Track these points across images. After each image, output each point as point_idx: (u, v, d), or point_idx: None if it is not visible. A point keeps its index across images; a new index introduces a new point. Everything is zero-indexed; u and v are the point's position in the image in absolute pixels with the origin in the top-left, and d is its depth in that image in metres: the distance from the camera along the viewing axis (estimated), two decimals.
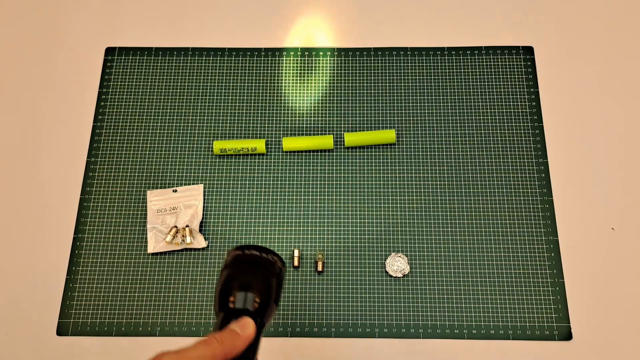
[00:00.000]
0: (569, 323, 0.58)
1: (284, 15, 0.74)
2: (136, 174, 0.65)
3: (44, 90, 0.70)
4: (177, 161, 0.65)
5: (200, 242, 0.61)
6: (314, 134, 0.66)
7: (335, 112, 0.67)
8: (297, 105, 0.68)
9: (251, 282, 0.41)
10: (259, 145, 0.64)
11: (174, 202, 0.63)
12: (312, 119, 0.67)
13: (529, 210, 0.62)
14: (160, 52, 0.71)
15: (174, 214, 0.62)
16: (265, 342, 0.58)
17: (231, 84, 0.69)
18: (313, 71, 0.70)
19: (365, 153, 0.65)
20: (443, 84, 0.68)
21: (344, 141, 0.65)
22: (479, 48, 0.70)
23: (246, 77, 0.69)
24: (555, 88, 0.68)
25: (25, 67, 0.71)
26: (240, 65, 0.70)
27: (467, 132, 0.66)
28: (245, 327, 0.38)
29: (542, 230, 0.61)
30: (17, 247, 0.62)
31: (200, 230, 0.62)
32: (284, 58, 0.70)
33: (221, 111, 0.68)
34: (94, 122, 0.67)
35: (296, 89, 0.69)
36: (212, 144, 0.66)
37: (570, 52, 0.70)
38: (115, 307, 0.59)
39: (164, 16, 0.74)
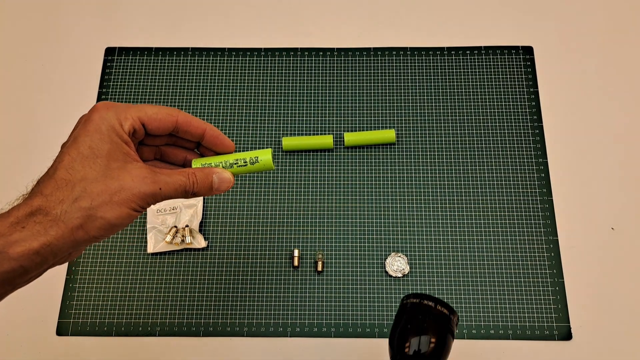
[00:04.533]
0: (569, 323, 0.58)
1: (284, 15, 0.74)
2: None
3: (44, 90, 0.70)
4: None
5: (200, 242, 0.61)
6: (313, 134, 0.66)
7: (335, 112, 0.67)
8: (297, 105, 0.68)
9: (427, 332, 0.40)
10: (263, 156, 0.56)
11: (174, 202, 0.63)
12: (312, 119, 0.67)
13: (529, 210, 0.62)
14: (160, 52, 0.71)
15: (174, 214, 0.62)
16: (265, 342, 0.58)
17: (231, 84, 0.69)
18: (313, 71, 0.70)
19: (365, 153, 0.65)
20: (443, 84, 0.68)
21: (343, 141, 0.65)
22: (479, 48, 0.70)
23: (246, 77, 0.70)
24: (555, 88, 0.68)
25: (25, 67, 0.71)
26: (240, 65, 0.70)
27: (466, 132, 0.66)
28: None
29: (542, 230, 0.61)
30: None
31: (200, 230, 0.62)
32: (284, 58, 0.70)
33: (221, 111, 0.68)
34: None
35: (296, 89, 0.69)
36: None
37: (569, 52, 0.70)
38: (115, 307, 0.59)
39: (164, 16, 0.74)
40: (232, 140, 0.66)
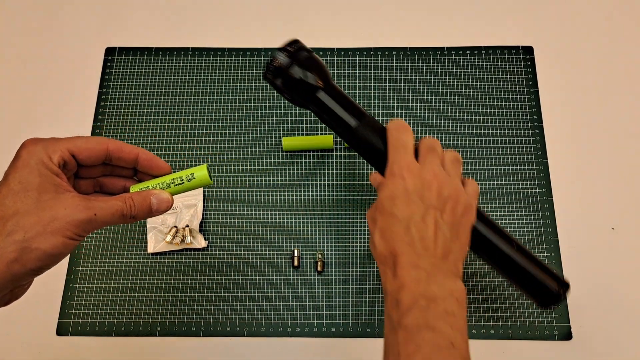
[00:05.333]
0: (569, 323, 0.58)
1: (284, 15, 0.74)
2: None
3: (44, 90, 0.70)
4: (177, 161, 0.65)
5: (200, 242, 0.61)
6: (314, 134, 0.66)
7: None
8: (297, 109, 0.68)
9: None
10: (199, 172, 0.47)
11: (174, 202, 0.62)
12: (312, 119, 0.67)
13: (529, 210, 0.62)
14: (160, 52, 0.71)
15: (174, 214, 0.62)
16: (265, 342, 0.58)
17: (231, 84, 0.69)
18: None
19: None
20: (443, 84, 0.68)
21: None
22: (479, 48, 0.70)
23: (246, 77, 0.69)
24: (555, 88, 0.68)
25: (25, 66, 0.71)
26: (240, 65, 0.70)
27: (467, 131, 0.66)
28: None
29: (542, 230, 0.61)
30: None
31: (200, 230, 0.62)
32: None
33: (221, 111, 0.68)
34: (94, 122, 0.68)
35: None
36: (215, 144, 0.66)
37: (570, 52, 0.70)
38: (115, 307, 0.59)
39: (164, 16, 0.74)
40: (232, 141, 0.66)
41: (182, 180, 0.44)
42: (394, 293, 0.42)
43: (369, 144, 0.49)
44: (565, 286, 0.48)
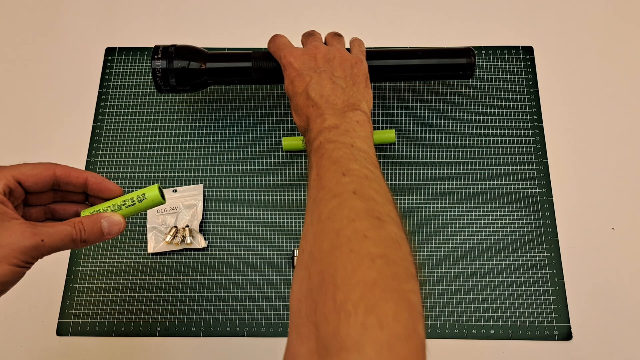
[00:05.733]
0: (569, 323, 0.58)
1: (283, 15, 0.74)
2: (136, 174, 0.65)
3: (44, 90, 0.70)
4: (177, 161, 0.65)
5: (200, 242, 0.61)
6: None
7: None
8: None
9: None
10: (150, 192, 0.46)
11: (174, 202, 0.63)
12: None
13: (529, 210, 0.62)
14: None
15: (174, 214, 0.62)
16: (265, 342, 0.58)
17: (231, 84, 0.69)
18: None
19: None
20: (443, 84, 0.68)
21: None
22: (479, 48, 0.70)
23: None
24: (555, 88, 0.68)
25: (25, 66, 0.71)
26: None
27: (467, 132, 0.66)
28: None
29: (542, 230, 0.61)
30: None
31: (200, 230, 0.62)
32: None
33: (221, 111, 0.68)
34: (94, 122, 0.68)
35: None
36: (215, 144, 0.66)
37: (570, 52, 0.70)
38: (115, 307, 0.59)
39: (164, 16, 0.74)
40: (232, 141, 0.66)
41: (134, 201, 0.44)
42: (310, 140, 0.48)
43: (269, 70, 0.59)
44: (472, 53, 0.61)
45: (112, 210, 0.43)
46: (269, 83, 0.62)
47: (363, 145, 0.45)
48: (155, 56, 0.57)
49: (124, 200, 0.44)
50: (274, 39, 0.57)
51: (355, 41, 0.59)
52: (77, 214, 0.45)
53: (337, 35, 0.58)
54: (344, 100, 0.49)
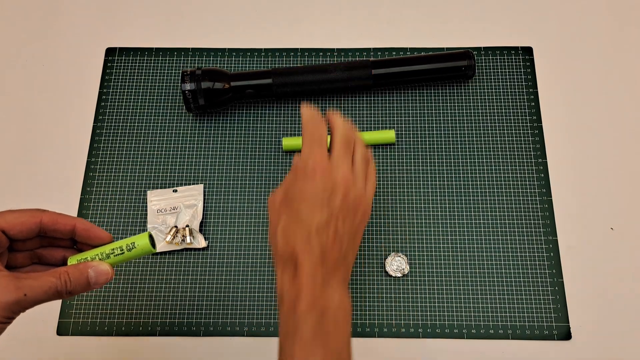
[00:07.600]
0: (568, 323, 0.58)
1: (284, 15, 0.74)
2: (136, 174, 0.65)
3: (44, 90, 0.70)
4: (177, 161, 0.65)
5: (200, 242, 0.61)
6: None
7: None
8: (298, 105, 0.68)
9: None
10: (140, 241, 0.45)
11: (174, 202, 0.63)
12: None
13: (528, 210, 0.62)
14: (161, 52, 0.71)
15: (174, 214, 0.62)
16: (265, 342, 0.58)
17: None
18: None
19: None
20: (442, 84, 0.68)
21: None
22: (478, 48, 0.70)
23: None
24: (555, 88, 0.68)
25: (25, 67, 0.71)
26: (240, 65, 0.70)
27: (466, 132, 0.66)
28: None
29: (541, 230, 0.62)
30: None
31: (200, 230, 0.62)
32: (284, 58, 0.70)
33: (221, 111, 0.68)
34: (94, 122, 0.68)
35: None
36: (215, 144, 0.66)
37: (569, 53, 0.70)
38: (115, 307, 0.59)
39: (164, 16, 0.74)
40: (232, 141, 0.66)
41: (123, 250, 0.42)
42: (292, 297, 0.42)
43: (289, 84, 0.64)
44: (471, 56, 0.64)
45: (100, 259, 0.42)
46: (289, 97, 0.66)
47: (347, 356, 0.43)
48: (184, 81, 0.62)
49: (113, 249, 0.42)
50: (314, 119, 0.47)
51: (370, 177, 0.50)
52: (64, 260, 0.43)
53: (366, 161, 0.49)
54: (337, 261, 0.45)
